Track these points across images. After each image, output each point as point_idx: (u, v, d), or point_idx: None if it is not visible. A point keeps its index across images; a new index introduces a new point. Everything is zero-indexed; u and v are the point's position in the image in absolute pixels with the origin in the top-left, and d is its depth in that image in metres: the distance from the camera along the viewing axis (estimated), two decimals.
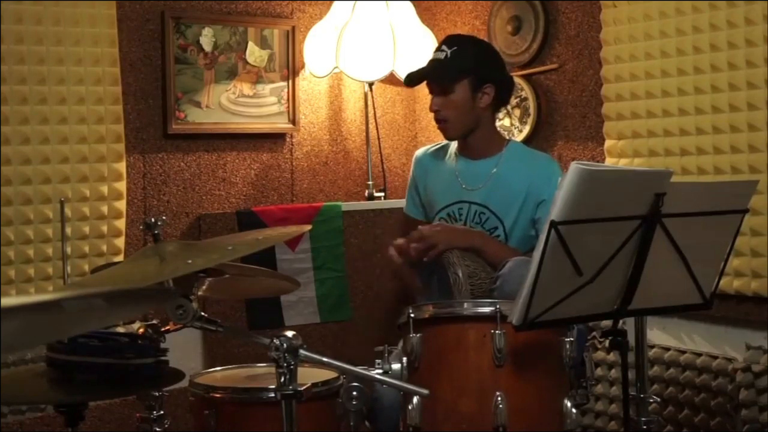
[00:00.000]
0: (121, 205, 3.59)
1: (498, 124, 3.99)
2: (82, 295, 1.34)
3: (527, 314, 2.21)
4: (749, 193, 2.41)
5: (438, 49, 3.20)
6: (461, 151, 3.25)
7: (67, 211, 3.34)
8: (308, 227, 3.59)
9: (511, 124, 3.98)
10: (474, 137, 3.19)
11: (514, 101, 3.95)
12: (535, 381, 2.44)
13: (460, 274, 2.84)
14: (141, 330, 2.45)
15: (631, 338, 2.54)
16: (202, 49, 3.87)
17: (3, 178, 3.31)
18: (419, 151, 3.41)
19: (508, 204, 3.12)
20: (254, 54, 4.00)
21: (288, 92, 4.08)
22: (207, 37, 3.88)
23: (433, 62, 3.19)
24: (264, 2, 4.05)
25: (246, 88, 3.99)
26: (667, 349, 3.42)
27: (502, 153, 3.20)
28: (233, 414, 2.62)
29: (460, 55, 3.13)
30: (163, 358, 2.43)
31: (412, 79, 3.26)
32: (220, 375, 2.84)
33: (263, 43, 4.02)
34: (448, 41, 3.21)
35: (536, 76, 3.93)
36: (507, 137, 3.46)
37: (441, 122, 3.18)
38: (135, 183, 3.72)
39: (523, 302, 2.20)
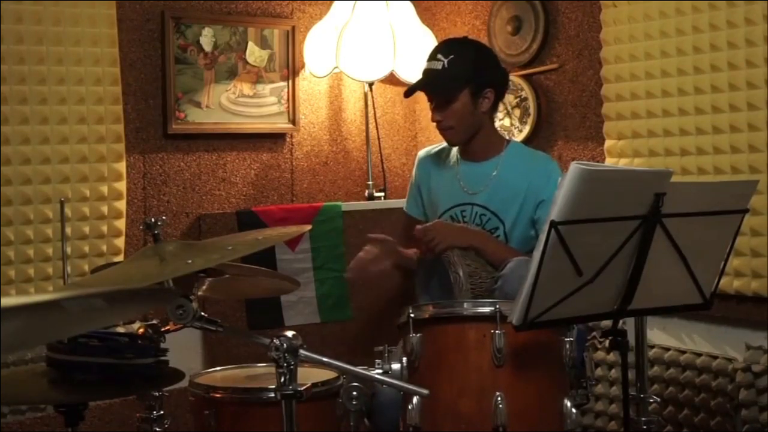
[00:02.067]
0: (121, 205, 3.59)
1: (498, 124, 3.99)
2: (82, 295, 1.34)
3: (527, 314, 2.21)
4: (749, 193, 2.41)
5: (433, 58, 3.13)
6: (462, 154, 3.25)
7: (67, 211, 3.34)
8: (308, 227, 3.59)
9: (511, 124, 3.98)
10: (475, 140, 3.19)
11: (514, 101, 3.95)
12: (535, 381, 2.44)
13: (461, 274, 2.84)
14: (141, 330, 2.45)
15: (631, 338, 2.54)
16: (202, 49, 3.87)
17: (3, 178, 3.31)
18: (421, 152, 3.41)
19: (508, 204, 3.12)
20: (254, 54, 4.00)
21: (288, 92, 4.08)
22: (207, 37, 3.88)
23: (431, 72, 3.13)
24: (264, 2, 4.05)
25: (246, 88, 3.99)
26: (667, 349, 3.42)
27: (502, 154, 3.20)
28: (233, 414, 2.62)
29: (458, 63, 3.08)
30: (163, 358, 2.43)
31: (412, 92, 3.25)
32: (220, 375, 2.84)
33: (263, 43, 4.02)
34: (443, 49, 3.15)
35: (536, 76, 3.93)
36: (507, 137, 3.46)
37: (445, 130, 3.18)
38: (135, 183, 3.72)
39: (523, 302, 2.20)
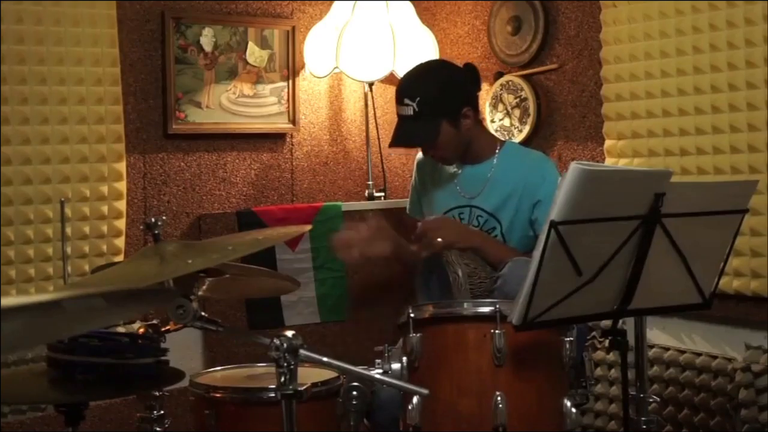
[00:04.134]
0: (122, 205, 3.59)
1: (498, 124, 4.00)
2: (82, 295, 1.34)
3: (527, 314, 2.21)
4: (749, 193, 2.41)
5: (401, 102, 3.11)
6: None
7: (68, 211, 3.34)
8: (308, 227, 3.59)
9: (511, 124, 3.98)
10: (468, 148, 3.20)
11: (513, 101, 3.95)
12: (535, 381, 2.44)
13: (460, 274, 2.84)
14: (141, 330, 2.45)
15: (631, 338, 2.54)
16: (203, 49, 3.87)
17: (3, 178, 3.31)
18: (420, 155, 3.41)
19: (504, 205, 3.12)
20: (254, 54, 4.00)
21: (288, 92, 4.09)
22: (207, 37, 3.88)
23: (404, 121, 3.12)
24: (264, 2, 4.05)
25: (246, 88, 3.99)
26: (667, 349, 3.42)
27: (496, 155, 3.20)
28: (233, 414, 2.62)
29: (427, 104, 3.06)
30: (163, 358, 2.43)
31: (395, 145, 3.25)
32: (220, 375, 2.84)
33: (263, 43, 4.02)
34: (408, 90, 3.11)
35: (536, 76, 3.93)
36: (502, 138, 3.46)
37: (438, 159, 3.22)
38: (135, 183, 3.73)
39: (523, 302, 2.21)
